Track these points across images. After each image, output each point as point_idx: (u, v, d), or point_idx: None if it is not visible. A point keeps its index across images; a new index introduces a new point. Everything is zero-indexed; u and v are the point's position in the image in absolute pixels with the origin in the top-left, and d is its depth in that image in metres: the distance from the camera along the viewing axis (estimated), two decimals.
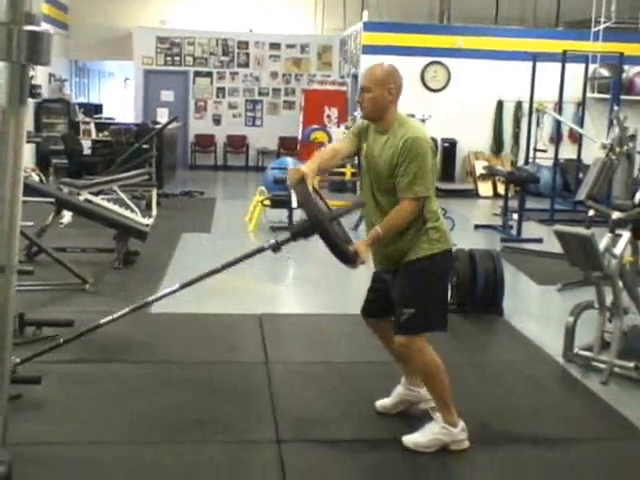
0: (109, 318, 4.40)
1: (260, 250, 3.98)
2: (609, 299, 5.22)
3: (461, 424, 3.93)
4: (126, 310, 4.38)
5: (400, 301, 3.82)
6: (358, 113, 13.49)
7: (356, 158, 4.01)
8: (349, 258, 3.70)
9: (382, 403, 4.33)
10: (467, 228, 10.81)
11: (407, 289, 3.81)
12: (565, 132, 14.67)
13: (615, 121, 8.18)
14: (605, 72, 14.67)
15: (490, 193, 14.93)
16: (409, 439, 3.90)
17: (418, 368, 3.94)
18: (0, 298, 2.17)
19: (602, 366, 5.05)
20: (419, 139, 3.71)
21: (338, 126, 14.82)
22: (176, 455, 3.81)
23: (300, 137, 16.23)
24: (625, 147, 7.89)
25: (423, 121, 13.31)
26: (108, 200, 9.43)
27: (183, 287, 4.28)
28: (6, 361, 2.22)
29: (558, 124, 12.91)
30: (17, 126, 2.05)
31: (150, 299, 4.45)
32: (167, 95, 18.46)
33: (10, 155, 2.05)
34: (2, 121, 2.04)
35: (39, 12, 1.98)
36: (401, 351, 3.92)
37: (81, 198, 8.78)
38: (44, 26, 2.01)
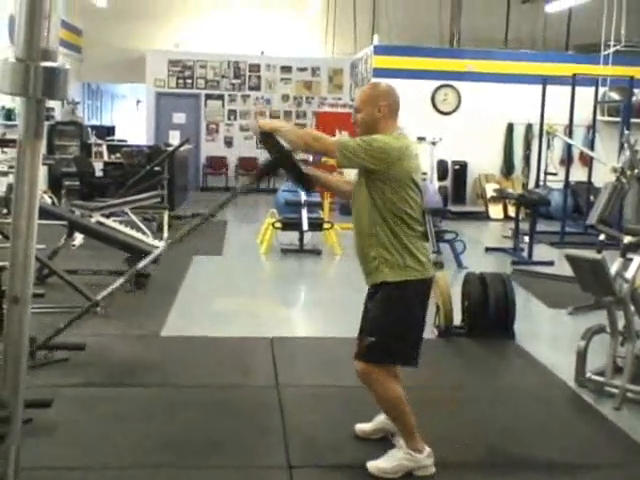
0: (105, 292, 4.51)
1: (234, 195, 4.05)
2: (621, 323, 5.21)
3: (427, 450, 3.91)
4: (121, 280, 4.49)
5: (365, 327, 3.83)
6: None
7: None
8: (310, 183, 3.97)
9: (361, 427, 4.32)
10: (478, 251, 10.80)
11: (374, 317, 3.80)
12: (576, 155, 14.67)
13: (626, 144, 8.17)
14: (615, 95, 14.69)
15: (501, 215, 14.91)
16: (373, 465, 3.88)
17: (377, 398, 3.90)
18: (15, 329, 2.18)
19: (615, 391, 5.02)
20: (391, 138, 3.70)
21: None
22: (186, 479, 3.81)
23: (311, 159, 16.27)
24: (636, 170, 7.86)
25: (434, 144, 13.34)
26: (120, 222, 9.47)
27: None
28: (20, 391, 2.22)
29: (568, 147, 12.93)
30: (33, 159, 2.07)
31: (140, 265, 4.53)
32: (179, 117, 18.57)
33: (26, 188, 2.06)
34: (18, 154, 2.06)
35: (56, 48, 2.01)
36: (360, 379, 3.89)
37: (93, 220, 8.82)
38: (60, 60, 2.04)
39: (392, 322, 3.77)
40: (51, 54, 2.00)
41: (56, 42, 2.01)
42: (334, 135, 15.21)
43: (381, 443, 4.16)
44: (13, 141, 11.74)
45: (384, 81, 4.04)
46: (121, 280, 4.83)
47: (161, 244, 9.36)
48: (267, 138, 3.83)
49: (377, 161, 3.64)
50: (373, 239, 3.76)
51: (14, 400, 2.20)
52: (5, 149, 12.45)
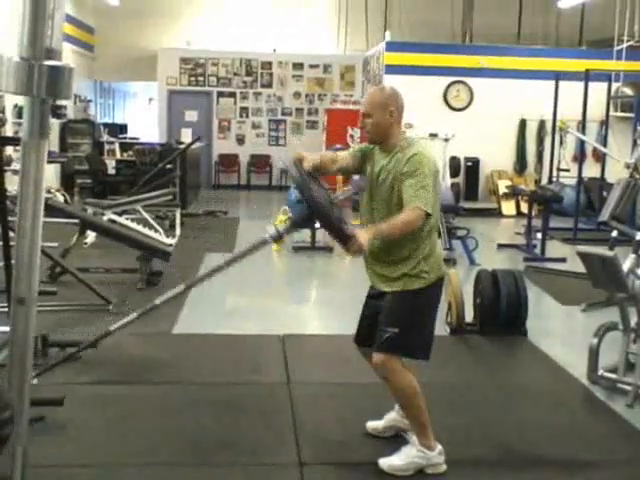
0: (118, 324, 4.43)
1: (263, 242, 3.94)
2: (634, 320, 5.18)
3: (439, 448, 3.91)
4: (134, 315, 4.39)
5: (385, 321, 3.80)
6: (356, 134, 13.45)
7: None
8: (348, 240, 3.52)
9: (373, 425, 4.32)
10: (490, 248, 10.77)
11: (394, 310, 3.79)
12: (589, 151, 14.60)
13: (639, 140, 8.12)
14: (628, 91, 14.61)
15: (513, 212, 14.87)
16: (385, 462, 3.89)
17: (394, 390, 3.90)
18: (20, 329, 2.17)
19: (627, 388, 5.00)
20: (426, 156, 3.72)
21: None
22: (198, 477, 3.82)
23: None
24: None
25: (446, 140, 13.30)
26: (132, 220, 9.48)
27: (189, 287, 4.28)
28: (25, 393, 2.21)
29: (581, 143, 12.86)
30: (37, 160, 2.05)
31: (157, 302, 4.43)
32: (191, 115, 18.58)
33: (31, 189, 2.05)
34: (22, 154, 2.05)
35: (60, 47, 1.99)
36: (378, 371, 3.89)
37: (105, 218, 8.84)
38: (66, 52, 2.02)
39: (413, 313, 3.79)
40: (55, 53, 1.98)
41: (60, 41, 2.00)
42: (346, 131, 15.22)
43: (392, 440, 4.15)
44: None
45: (393, 82, 4.01)
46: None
47: (173, 241, 9.39)
48: (304, 184, 3.60)
49: (434, 183, 3.70)
50: (397, 249, 3.75)
51: (20, 401, 2.19)
52: (18, 147, 12.46)
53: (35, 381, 4.20)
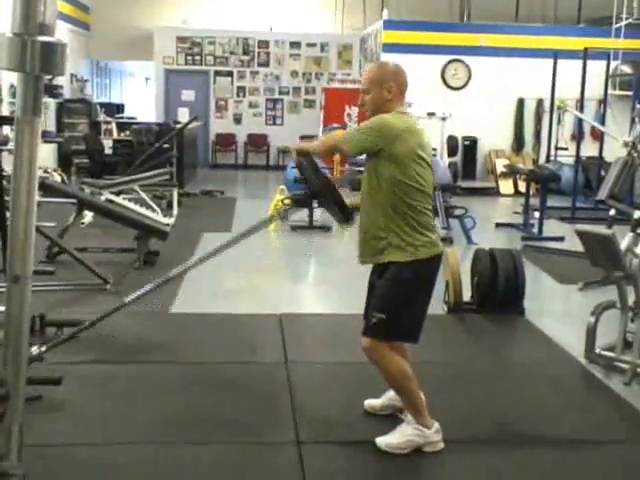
0: (134, 296, 4.52)
1: (270, 219, 4.45)
2: (631, 299, 5.18)
3: (435, 426, 3.90)
4: (150, 286, 4.46)
5: (373, 305, 3.79)
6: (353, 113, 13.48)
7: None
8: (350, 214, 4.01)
9: (370, 403, 4.32)
10: (488, 227, 10.77)
11: (384, 294, 3.77)
12: (587, 129, 14.57)
13: (637, 119, 8.09)
14: (627, 69, 14.57)
15: (511, 191, 14.86)
16: (381, 441, 3.88)
17: (383, 374, 3.90)
18: (15, 308, 2.16)
19: (624, 366, 5.01)
20: (386, 118, 3.69)
21: (358, 124, 14.78)
22: (195, 456, 3.82)
23: (320, 136, 16.26)
24: None
25: (444, 119, 13.27)
26: (129, 200, 9.46)
27: (202, 261, 4.51)
28: (21, 372, 2.20)
29: (579, 122, 12.84)
30: (31, 137, 2.04)
31: (171, 274, 4.52)
32: (188, 95, 18.51)
33: (24, 166, 2.04)
34: (16, 132, 2.03)
35: (53, 23, 1.97)
36: (366, 355, 3.88)
37: (102, 198, 8.82)
38: (62, 31, 2.01)
39: (402, 300, 3.75)
40: (48, 28, 1.96)
41: (53, 17, 1.98)
42: (343, 110, 15.19)
43: (390, 419, 4.15)
44: None
45: (391, 60, 3.99)
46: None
47: (170, 221, 9.37)
48: (306, 166, 3.92)
49: (380, 140, 3.63)
50: (381, 220, 3.74)
51: (15, 379, 2.18)
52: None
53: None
